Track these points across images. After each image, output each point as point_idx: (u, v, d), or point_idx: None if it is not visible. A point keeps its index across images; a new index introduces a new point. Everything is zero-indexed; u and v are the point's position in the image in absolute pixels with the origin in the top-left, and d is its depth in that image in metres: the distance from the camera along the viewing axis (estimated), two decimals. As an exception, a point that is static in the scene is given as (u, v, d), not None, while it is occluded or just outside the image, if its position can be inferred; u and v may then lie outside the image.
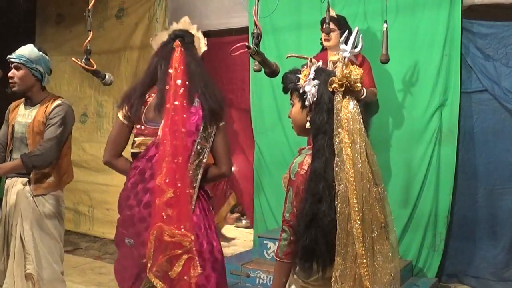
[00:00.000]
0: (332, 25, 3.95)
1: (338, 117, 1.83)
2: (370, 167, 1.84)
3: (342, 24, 4.03)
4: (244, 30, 4.89)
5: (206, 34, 6.80)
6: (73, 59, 2.76)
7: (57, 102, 3.09)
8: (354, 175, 1.78)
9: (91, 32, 2.79)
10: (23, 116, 3.08)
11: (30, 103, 3.11)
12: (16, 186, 3.00)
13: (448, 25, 4.05)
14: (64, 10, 6.15)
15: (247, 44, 2.46)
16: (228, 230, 6.30)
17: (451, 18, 4.04)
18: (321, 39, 4.20)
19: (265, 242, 4.11)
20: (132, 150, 2.41)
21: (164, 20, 5.38)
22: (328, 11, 3.73)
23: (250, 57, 2.71)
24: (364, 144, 1.86)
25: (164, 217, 2.08)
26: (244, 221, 6.40)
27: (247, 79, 4.94)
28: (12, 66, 3.02)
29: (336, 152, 1.80)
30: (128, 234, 2.33)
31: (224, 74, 5.78)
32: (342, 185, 1.76)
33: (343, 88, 1.90)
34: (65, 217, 3.25)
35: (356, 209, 1.75)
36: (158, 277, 2.11)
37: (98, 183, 5.91)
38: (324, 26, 3.88)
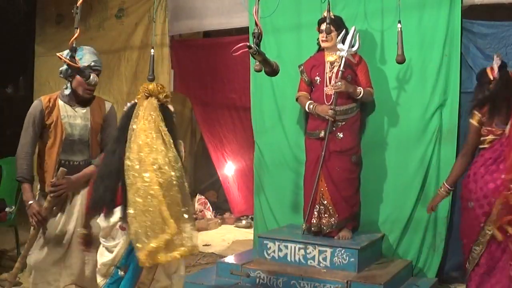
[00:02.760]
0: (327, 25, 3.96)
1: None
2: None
3: (339, 24, 4.04)
4: (244, 30, 4.89)
5: (206, 34, 6.87)
6: (58, 54, 2.76)
7: (109, 104, 3.21)
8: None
9: (78, 30, 2.79)
10: (74, 117, 3.04)
11: (80, 103, 3.07)
12: (80, 193, 3.06)
13: (448, 25, 4.05)
14: (64, 10, 6.14)
15: (248, 44, 2.48)
16: (228, 230, 6.31)
17: (451, 18, 4.04)
18: (318, 39, 4.20)
19: (265, 242, 4.10)
20: (481, 146, 3.35)
21: (164, 20, 5.37)
22: (329, 11, 3.74)
23: (251, 57, 2.71)
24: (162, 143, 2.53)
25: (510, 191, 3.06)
26: (244, 221, 6.41)
27: (248, 79, 4.94)
28: (96, 74, 3.05)
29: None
30: (471, 199, 3.26)
31: (224, 74, 5.78)
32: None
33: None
34: None
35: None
36: (499, 230, 3.09)
37: (98, 183, 5.90)
38: (325, 26, 3.89)
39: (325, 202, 4.06)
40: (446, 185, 3.57)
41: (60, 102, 3.04)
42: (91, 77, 2.97)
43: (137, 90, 6.13)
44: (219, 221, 6.49)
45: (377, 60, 4.32)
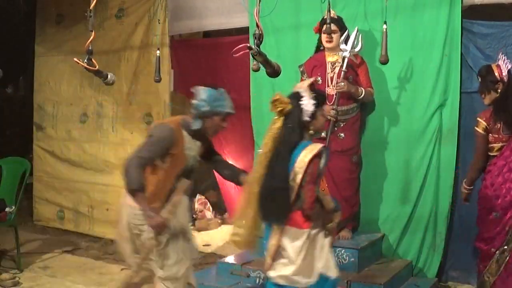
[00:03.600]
0: (333, 26, 3.96)
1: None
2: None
3: (342, 25, 4.05)
4: (244, 30, 4.89)
5: (206, 34, 6.86)
6: (75, 59, 2.76)
7: None
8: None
9: (93, 32, 2.79)
10: (191, 149, 3.07)
11: (195, 136, 3.08)
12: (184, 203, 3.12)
13: (448, 25, 4.05)
14: (64, 10, 6.14)
15: (249, 45, 2.48)
16: (228, 230, 6.30)
17: (451, 18, 4.04)
18: (319, 39, 4.19)
19: (265, 242, 4.09)
20: (491, 154, 3.42)
21: (164, 20, 5.37)
22: (329, 11, 3.73)
23: (250, 57, 2.71)
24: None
25: None
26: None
27: (248, 78, 4.94)
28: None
29: None
30: (495, 209, 3.31)
31: (224, 74, 5.77)
32: None
33: None
34: None
35: None
36: None
37: (97, 183, 5.91)
38: (329, 27, 3.88)
39: None
40: (465, 185, 3.68)
41: (184, 133, 3.04)
42: (109, 76, 3.02)
43: (137, 90, 6.19)
44: (219, 221, 6.49)
45: (377, 60, 4.30)
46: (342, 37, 3.95)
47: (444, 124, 4.12)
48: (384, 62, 3.70)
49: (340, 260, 3.83)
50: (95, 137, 5.99)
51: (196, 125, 2.99)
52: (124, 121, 5.77)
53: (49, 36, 6.38)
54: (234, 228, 2.95)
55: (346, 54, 3.92)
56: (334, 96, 4.01)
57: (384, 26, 3.58)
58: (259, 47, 2.52)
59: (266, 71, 2.81)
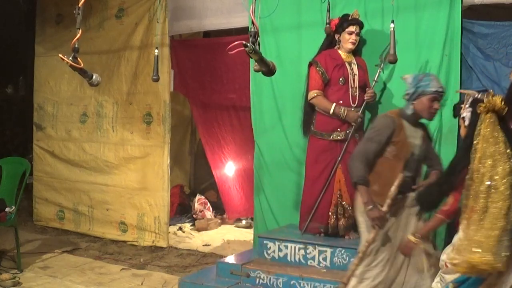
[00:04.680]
0: (358, 28, 3.98)
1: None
2: None
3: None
4: (244, 30, 4.88)
5: (206, 34, 6.85)
6: (60, 56, 2.78)
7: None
8: None
9: (80, 30, 2.80)
10: (414, 137, 3.17)
11: (414, 122, 3.21)
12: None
13: (448, 25, 4.05)
14: (64, 10, 6.15)
15: (244, 42, 2.47)
16: (228, 230, 6.31)
17: (451, 18, 4.04)
18: (327, 37, 4.15)
19: (265, 242, 4.11)
20: None
21: (164, 20, 5.37)
22: (329, 11, 3.72)
23: (250, 57, 2.70)
24: None
25: None
26: (244, 221, 6.40)
27: (248, 78, 4.94)
28: (439, 99, 3.19)
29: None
30: None
31: (224, 74, 5.78)
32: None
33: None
34: None
35: None
36: None
37: (97, 183, 5.91)
38: (356, 28, 3.99)
39: (344, 203, 4.04)
40: None
41: (403, 121, 3.16)
42: (94, 77, 3.04)
43: (137, 90, 6.20)
44: (219, 221, 6.49)
45: (377, 60, 4.31)
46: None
47: (444, 124, 4.11)
48: (393, 61, 3.68)
49: (340, 260, 3.83)
50: (95, 137, 5.99)
51: (409, 110, 3.15)
52: (124, 121, 5.77)
53: (49, 36, 6.38)
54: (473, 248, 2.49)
55: (382, 65, 4.04)
56: (357, 97, 4.06)
57: (392, 25, 3.58)
58: (254, 45, 2.52)
59: (261, 70, 2.81)
